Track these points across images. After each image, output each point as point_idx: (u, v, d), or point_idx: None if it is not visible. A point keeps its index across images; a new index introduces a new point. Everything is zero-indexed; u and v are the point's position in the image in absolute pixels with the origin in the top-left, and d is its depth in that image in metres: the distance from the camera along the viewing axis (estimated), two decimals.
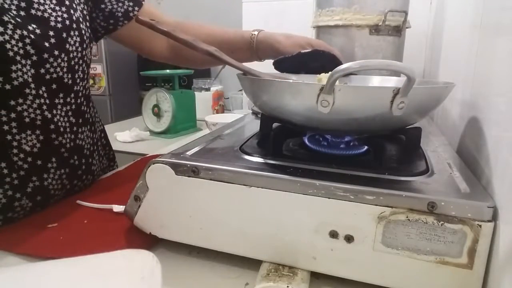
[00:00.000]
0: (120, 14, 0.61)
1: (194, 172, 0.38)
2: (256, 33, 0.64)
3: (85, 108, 0.57)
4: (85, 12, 0.55)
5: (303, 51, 0.60)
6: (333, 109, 0.35)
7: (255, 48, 0.64)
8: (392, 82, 0.56)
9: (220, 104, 1.39)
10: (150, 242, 0.41)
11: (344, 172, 0.37)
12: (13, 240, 0.42)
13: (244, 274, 0.37)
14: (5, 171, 0.46)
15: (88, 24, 0.56)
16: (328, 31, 0.76)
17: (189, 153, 0.42)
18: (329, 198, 0.33)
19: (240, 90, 1.36)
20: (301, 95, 0.37)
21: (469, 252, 0.31)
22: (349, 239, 0.33)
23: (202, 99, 1.34)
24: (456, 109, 0.57)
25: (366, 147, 0.44)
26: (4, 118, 0.44)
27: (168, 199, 0.39)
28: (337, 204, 0.33)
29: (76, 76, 0.53)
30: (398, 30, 0.74)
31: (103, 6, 0.60)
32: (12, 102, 0.44)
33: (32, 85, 0.46)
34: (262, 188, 0.35)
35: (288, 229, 0.35)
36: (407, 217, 0.32)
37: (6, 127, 0.44)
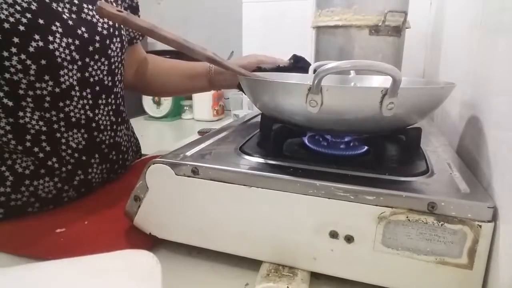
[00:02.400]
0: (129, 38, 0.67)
1: (194, 172, 0.38)
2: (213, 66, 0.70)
3: (123, 108, 0.62)
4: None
5: (281, 65, 0.65)
6: (322, 109, 0.35)
7: (213, 74, 0.70)
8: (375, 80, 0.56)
9: (220, 105, 1.39)
10: (150, 242, 0.41)
11: (344, 172, 0.37)
12: (13, 241, 0.42)
13: (244, 274, 0.37)
14: (56, 165, 0.50)
15: (124, 30, 0.61)
16: (328, 32, 0.76)
17: (189, 153, 0.42)
18: (329, 198, 0.33)
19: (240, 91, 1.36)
20: (292, 95, 0.37)
21: (469, 252, 0.31)
22: (349, 239, 0.33)
23: (202, 100, 1.34)
24: (456, 109, 0.57)
25: (366, 147, 0.44)
26: (55, 118, 0.48)
27: (168, 199, 0.39)
28: (337, 204, 0.33)
29: (116, 78, 0.57)
30: (398, 31, 0.74)
31: None
32: (61, 104, 0.48)
33: (77, 88, 0.50)
34: (262, 188, 0.36)
35: (288, 229, 0.35)
36: (407, 217, 0.32)
37: (56, 126, 0.49)
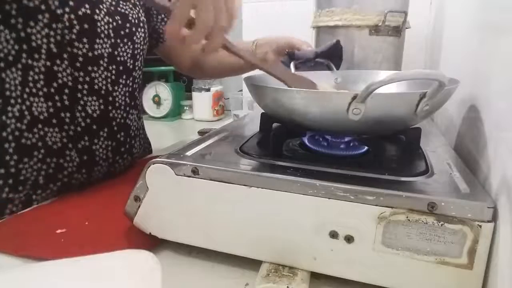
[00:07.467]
0: (161, 31, 0.75)
1: (194, 172, 0.38)
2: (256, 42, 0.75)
3: (137, 94, 0.68)
4: (144, 19, 0.68)
5: (319, 51, 0.65)
6: (363, 115, 0.35)
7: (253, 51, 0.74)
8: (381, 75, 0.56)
9: (220, 105, 1.39)
10: (150, 242, 0.41)
11: (344, 173, 0.37)
12: (13, 241, 0.42)
13: (244, 274, 0.37)
14: (67, 120, 0.56)
15: (146, 27, 0.69)
16: (328, 32, 0.76)
17: (189, 153, 0.42)
18: (329, 198, 0.33)
19: (240, 91, 1.36)
20: (331, 103, 0.37)
21: (469, 252, 0.31)
22: (349, 239, 0.33)
23: (202, 100, 1.34)
24: (456, 109, 0.57)
25: (366, 148, 0.44)
26: (81, 79, 0.56)
27: (168, 199, 0.39)
28: (337, 204, 0.33)
29: (136, 64, 0.65)
30: (397, 31, 0.74)
31: (151, 21, 0.73)
32: (89, 68, 0.56)
33: (106, 60, 0.58)
34: (262, 188, 0.35)
35: (288, 230, 0.35)
36: (407, 217, 0.32)
37: (80, 86, 0.56)
